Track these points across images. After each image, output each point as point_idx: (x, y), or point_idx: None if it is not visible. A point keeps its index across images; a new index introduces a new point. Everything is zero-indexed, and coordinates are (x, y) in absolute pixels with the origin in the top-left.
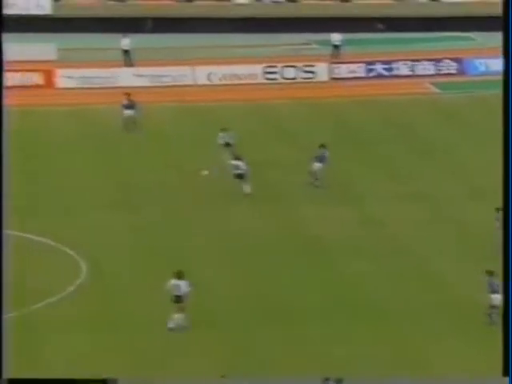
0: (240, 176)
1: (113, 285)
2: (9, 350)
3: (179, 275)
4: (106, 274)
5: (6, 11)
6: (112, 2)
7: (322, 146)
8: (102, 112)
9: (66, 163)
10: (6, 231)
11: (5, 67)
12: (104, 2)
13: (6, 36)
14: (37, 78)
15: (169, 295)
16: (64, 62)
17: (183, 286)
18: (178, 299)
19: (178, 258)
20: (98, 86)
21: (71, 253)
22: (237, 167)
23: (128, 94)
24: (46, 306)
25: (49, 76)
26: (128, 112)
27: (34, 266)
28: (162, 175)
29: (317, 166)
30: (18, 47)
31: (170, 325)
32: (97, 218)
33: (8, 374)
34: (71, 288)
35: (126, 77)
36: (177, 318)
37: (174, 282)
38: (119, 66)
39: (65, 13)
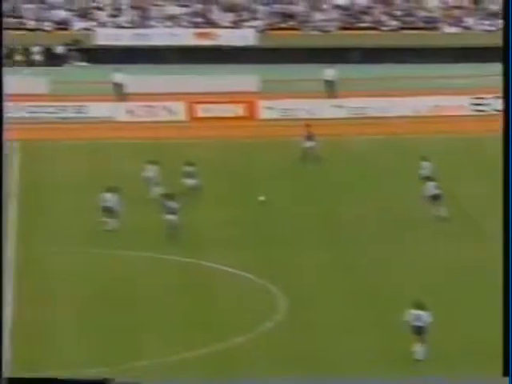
0: (436, 197)
1: (313, 322)
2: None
3: (420, 306)
4: (305, 310)
5: (211, 43)
6: (316, 32)
7: None
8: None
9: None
10: (205, 263)
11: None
12: (308, 32)
13: (212, 67)
14: (239, 110)
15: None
16: (266, 93)
17: (424, 316)
18: (419, 330)
19: (382, 292)
20: (298, 117)
21: (271, 287)
22: (433, 188)
23: (308, 126)
24: (245, 340)
25: (251, 107)
26: (308, 143)
27: (234, 300)
28: (360, 208)
29: None
30: (222, 78)
31: (416, 355)
32: (296, 253)
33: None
34: (270, 324)
35: (327, 108)
36: (419, 349)
37: (414, 312)
38: (322, 97)
39: (269, 43)
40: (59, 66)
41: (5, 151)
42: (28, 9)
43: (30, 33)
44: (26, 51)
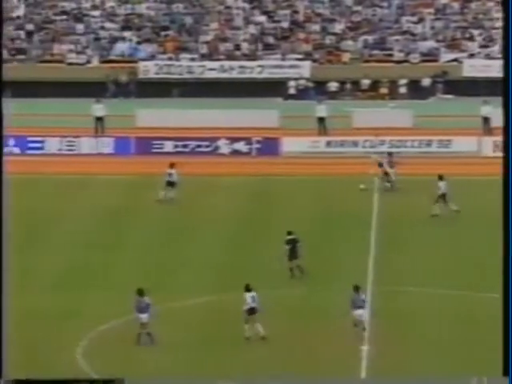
0: None
1: None
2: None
3: None
4: None
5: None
6: None
7: None
8: None
9: None
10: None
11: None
12: None
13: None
14: None
15: None
16: None
17: None
18: None
19: None
20: None
21: None
22: None
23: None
24: None
25: None
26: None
27: None
28: None
29: None
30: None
31: None
32: None
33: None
34: None
35: None
36: None
37: None
38: None
39: None
40: (424, 98)
41: None
42: (396, 40)
43: (397, 65)
44: (392, 84)
